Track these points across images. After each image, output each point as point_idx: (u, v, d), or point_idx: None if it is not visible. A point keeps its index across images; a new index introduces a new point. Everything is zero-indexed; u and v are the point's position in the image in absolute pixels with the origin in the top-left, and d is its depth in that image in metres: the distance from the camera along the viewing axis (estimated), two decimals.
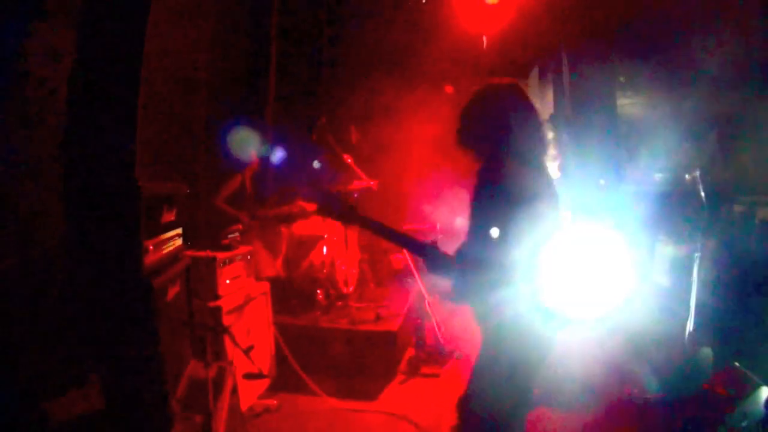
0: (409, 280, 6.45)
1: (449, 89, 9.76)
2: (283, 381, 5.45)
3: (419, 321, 6.39)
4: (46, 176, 3.12)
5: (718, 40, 8.06)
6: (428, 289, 6.40)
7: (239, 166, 6.16)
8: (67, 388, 2.96)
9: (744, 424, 4.02)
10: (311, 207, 6.64)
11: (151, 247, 3.36)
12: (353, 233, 6.92)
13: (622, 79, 9.91)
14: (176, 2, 5.61)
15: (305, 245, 6.34)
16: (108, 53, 2.99)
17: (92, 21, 3.00)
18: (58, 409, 2.88)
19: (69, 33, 3.08)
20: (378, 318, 6.14)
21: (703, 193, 5.74)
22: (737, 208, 6.96)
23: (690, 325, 5.55)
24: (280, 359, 5.56)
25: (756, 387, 4.19)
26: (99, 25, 2.97)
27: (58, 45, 3.13)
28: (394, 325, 6.00)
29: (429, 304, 6.28)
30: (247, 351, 4.35)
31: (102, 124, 2.98)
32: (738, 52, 8.04)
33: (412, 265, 6.60)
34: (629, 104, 10.33)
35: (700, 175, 5.74)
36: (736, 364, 4.66)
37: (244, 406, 4.70)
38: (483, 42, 9.28)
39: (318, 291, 6.26)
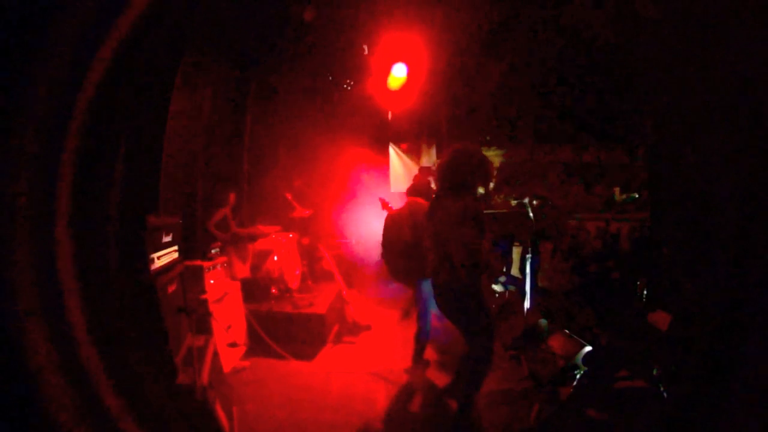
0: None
1: (404, 146, 10.27)
2: (253, 349, 5.71)
3: (341, 306, 6.71)
4: None
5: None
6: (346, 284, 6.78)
7: (221, 203, 6.42)
8: None
9: (575, 372, 4.18)
10: (269, 229, 6.94)
11: (156, 258, 3.64)
12: (296, 247, 7.21)
13: (488, 138, 10.42)
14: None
15: (263, 255, 6.56)
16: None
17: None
18: None
19: None
20: (312, 304, 6.37)
21: (531, 214, 6.07)
22: (573, 222, 7.43)
23: (527, 303, 5.89)
24: (251, 335, 5.83)
25: (581, 347, 4.40)
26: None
27: None
28: (323, 309, 6.24)
29: (346, 294, 6.61)
30: (226, 328, 4.62)
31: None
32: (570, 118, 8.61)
33: (334, 268, 6.95)
34: (493, 155, 10.85)
35: (529, 202, 6.06)
36: (566, 331, 4.95)
37: (227, 367, 4.95)
38: (389, 115, 9.68)
39: (272, 287, 6.52)
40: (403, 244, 4.93)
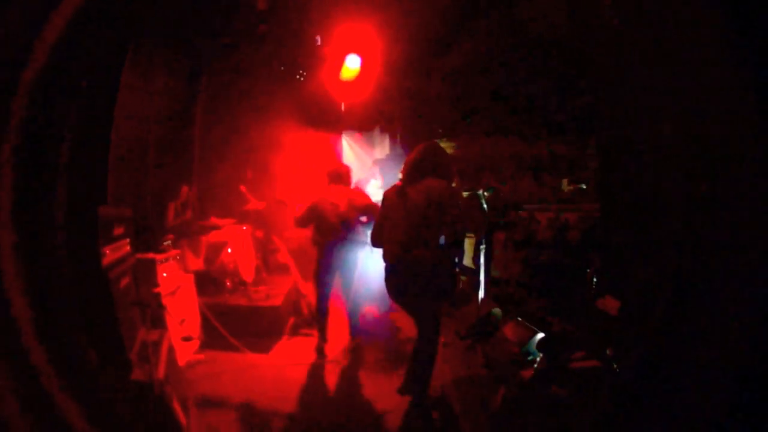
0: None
1: (359, 135, 10.24)
2: (208, 343, 5.58)
3: (296, 298, 6.64)
4: None
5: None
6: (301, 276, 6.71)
7: (172, 197, 6.30)
8: None
9: (529, 358, 4.29)
10: (223, 222, 6.82)
11: (108, 251, 3.52)
12: (250, 239, 7.11)
13: (440, 131, 10.48)
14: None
15: (217, 248, 6.44)
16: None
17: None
18: None
19: None
20: (268, 297, 6.31)
21: (485, 205, 6.11)
22: (523, 213, 7.48)
23: (481, 293, 5.94)
24: (205, 328, 5.70)
25: (534, 334, 4.49)
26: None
27: None
28: (278, 302, 6.21)
29: (301, 286, 6.56)
30: (180, 322, 4.52)
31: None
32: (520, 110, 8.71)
33: (290, 261, 6.88)
34: (447, 147, 10.91)
35: (483, 191, 6.11)
36: (519, 318, 5.01)
37: (182, 361, 4.81)
38: (342, 106, 9.64)
39: (227, 279, 6.41)
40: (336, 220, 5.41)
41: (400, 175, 4.24)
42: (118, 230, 3.87)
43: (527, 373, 3.65)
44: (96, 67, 3.20)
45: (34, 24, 2.06)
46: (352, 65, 7.92)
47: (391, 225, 4.06)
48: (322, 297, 5.62)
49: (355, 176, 6.83)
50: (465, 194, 8.91)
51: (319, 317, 5.70)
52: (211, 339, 5.60)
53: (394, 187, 4.22)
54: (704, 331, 2.06)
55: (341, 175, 5.66)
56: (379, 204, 4.40)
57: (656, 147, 3.50)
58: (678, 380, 2.10)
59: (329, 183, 5.63)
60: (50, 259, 2.61)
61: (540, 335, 4.38)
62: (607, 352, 3.40)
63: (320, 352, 5.54)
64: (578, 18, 5.40)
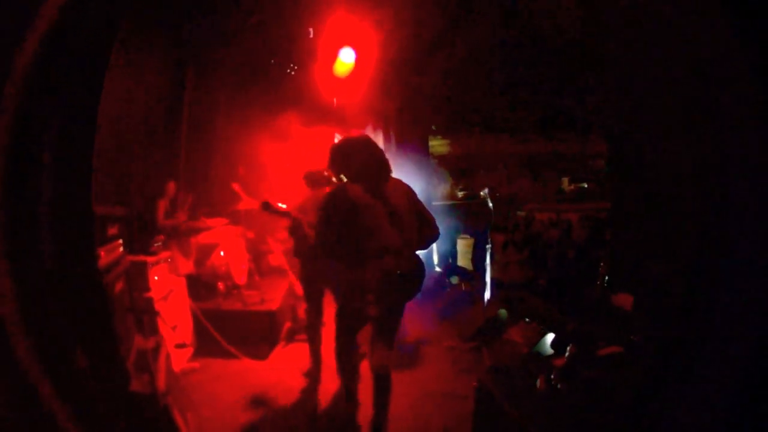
0: None
1: (356, 132, 10.13)
2: (201, 350, 5.45)
3: (293, 302, 6.52)
4: None
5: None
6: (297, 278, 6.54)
7: (160, 194, 6.15)
8: None
9: (539, 358, 4.28)
10: (213, 222, 6.67)
11: (103, 253, 3.38)
12: (242, 240, 6.96)
13: (434, 127, 10.43)
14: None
15: (208, 250, 6.29)
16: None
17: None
18: None
19: None
20: (263, 301, 6.15)
21: (491, 204, 6.09)
22: (520, 213, 7.47)
23: (487, 295, 5.91)
24: (198, 334, 5.56)
25: (544, 334, 4.48)
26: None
27: None
28: (274, 306, 6.05)
29: (298, 290, 6.41)
30: (173, 328, 4.37)
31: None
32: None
33: (285, 263, 6.76)
34: (439, 144, 10.88)
35: (489, 192, 6.09)
36: (527, 319, 5.04)
37: (176, 369, 4.68)
38: (334, 102, 9.53)
39: (219, 283, 6.26)
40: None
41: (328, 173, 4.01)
42: (112, 230, 3.74)
43: (559, 362, 3.76)
44: (82, 58, 3.08)
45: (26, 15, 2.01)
46: (346, 59, 7.80)
47: (384, 231, 3.49)
48: (318, 310, 5.05)
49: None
50: (460, 194, 8.87)
51: (313, 338, 5.09)
52: (205, 345, 5.47)
53: (355, 188, 3.58)
54: (721, 318, 2.15)
55: (319, 178, 4.91)
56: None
57: (669, 143, 3.52)
58: (700, 359, 2.21)
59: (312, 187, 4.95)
60: (42, 264, 2.50)
61: (551, 335, 4.37)
62: (632, 338, 3.54)
63: (316, 376, 5.05)
64: (589, 12, 5.38)
